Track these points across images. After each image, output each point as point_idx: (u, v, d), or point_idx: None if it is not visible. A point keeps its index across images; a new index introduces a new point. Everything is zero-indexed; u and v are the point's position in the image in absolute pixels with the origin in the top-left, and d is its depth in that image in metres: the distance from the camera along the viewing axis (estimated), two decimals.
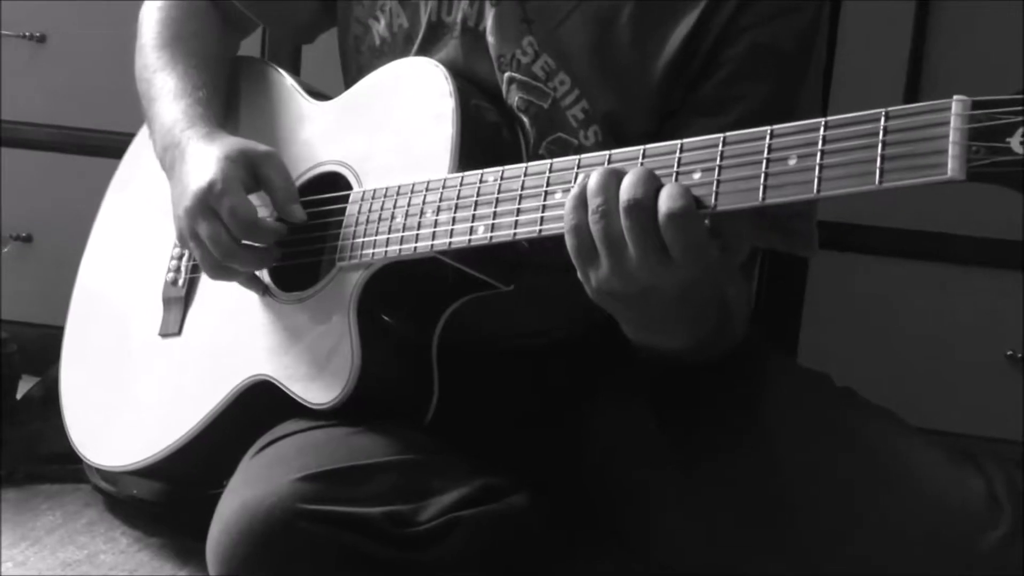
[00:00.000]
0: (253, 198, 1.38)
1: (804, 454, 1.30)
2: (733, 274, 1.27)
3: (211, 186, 1.35)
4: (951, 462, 1.28)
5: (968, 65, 2.12)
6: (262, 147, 1.41)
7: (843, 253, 2.18)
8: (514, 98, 1.37)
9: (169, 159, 1.46)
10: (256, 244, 1.38)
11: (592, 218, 1.08)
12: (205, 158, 1.39)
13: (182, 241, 1.42)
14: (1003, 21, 2.11)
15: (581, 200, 1.09)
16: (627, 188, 1.06)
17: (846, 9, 2.16)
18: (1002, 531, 1.20)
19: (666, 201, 1.05)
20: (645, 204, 1.06)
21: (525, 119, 1.36)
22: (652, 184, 1.06)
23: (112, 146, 1.77)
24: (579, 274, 1.11)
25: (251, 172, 1.39)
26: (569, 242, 1.10)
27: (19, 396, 1.96)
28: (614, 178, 1.08)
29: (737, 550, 1.29)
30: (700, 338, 1.23)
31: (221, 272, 1.40)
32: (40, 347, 1.93)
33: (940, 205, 2.09)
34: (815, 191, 1.00)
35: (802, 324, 2.20)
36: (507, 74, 1.37)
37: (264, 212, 1.40)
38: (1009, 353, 2.15)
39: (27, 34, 2.38)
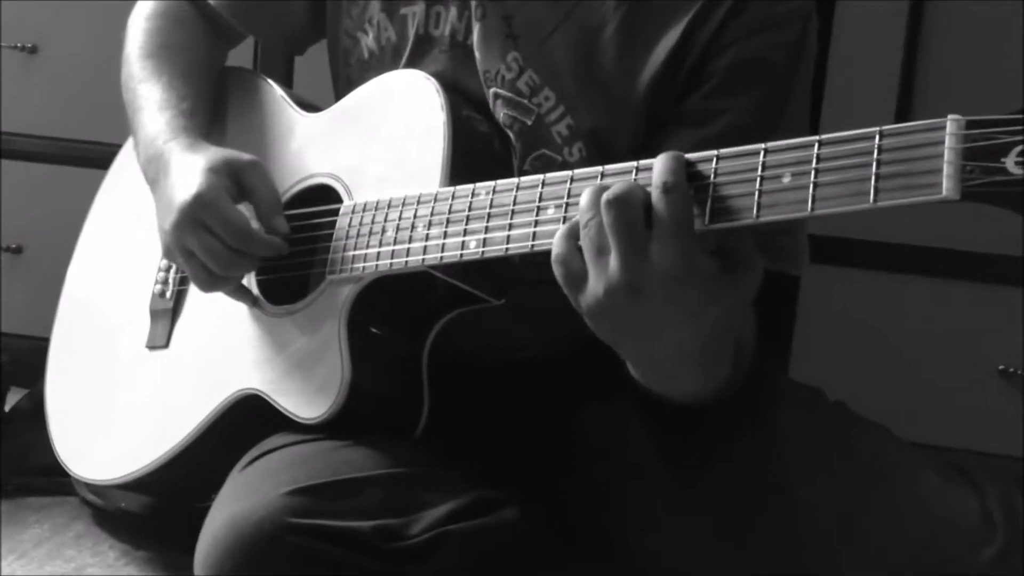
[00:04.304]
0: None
1: (799, 468, 1.29)
2: (746, 311, 1.24)
3: (197, 199, 1.34)
4: (945, 479, 1.28)
5: (960, 80, 2.13)
6: (246, 156, 1.41)
7: (835, 267, 2.18)
8: (500, 113, 1.36)
9: (152, 171, 1.45)
10: (250, 252, 1.37)
11: (583, 232, 1.07)
12: (189, 170, 1.38)
13: (169, 255, 1.41)
14: (995, 35, 2.12)
15: (572, 233, 1.09)
16: (610, 190, 1.06)
17: (838, 22, 2.16)
18: (996, 548, 1.20)
19: (661, 174, 1.05)
20: (626, 199, 1.05)
21: (511, 135, 1.36)
22: (636, 188, 1.06)
23: (104, 157, 1.76)
24: (572, 303, 1.10)
25: (236, 181, 1.38)
26: (556, 271, 1.09)
27: (8, 408, 1.95)
28: (601, 193, 1.07)
29: (730, 563, 1.29)
30: (716, 384, 1.21)
31: (212, 285, 1.39)
32: (30, 359, 1.92)
33: (931, 220, 2.09)
34: (809, 209, 0.99)
35: (794, 338, 2.20)
36: (492, 90, 1.37)
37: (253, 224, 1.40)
38: (1001, 368, 2.15)
39: (19, 45, 2.38)
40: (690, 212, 1.04)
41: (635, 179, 1.09)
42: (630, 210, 1.05)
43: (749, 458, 1.30)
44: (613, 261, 1.05)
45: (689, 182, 1.05)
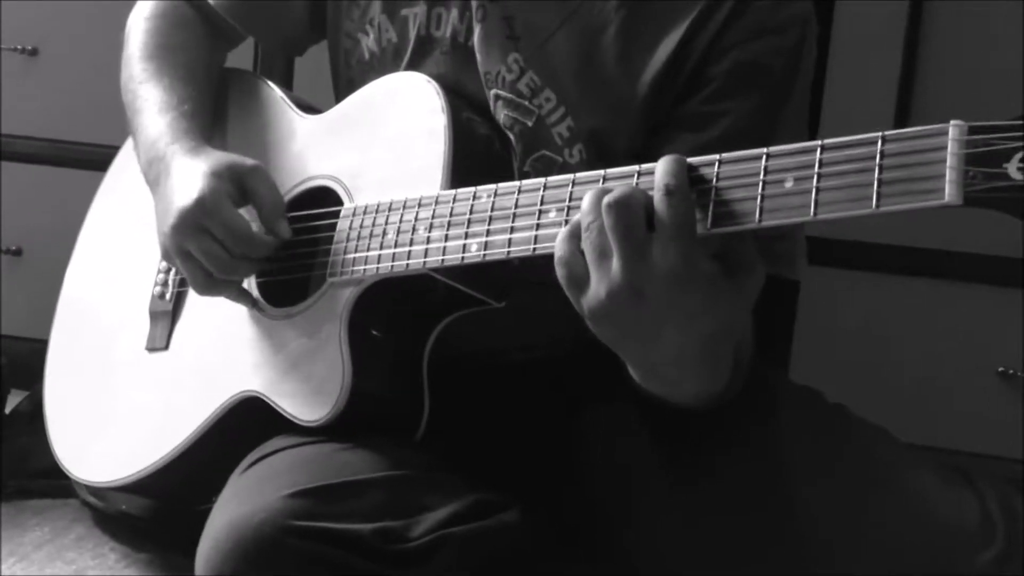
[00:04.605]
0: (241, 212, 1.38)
1: (799, 470, 1.29)
2: (748, 318, 1.23)
3: (199, 203, 1.34)
4: (944, 480, 1.28)
5: (960, 81, 2.13)
6: (249, 161, 1.41)
7: (835, 269, 2.18)
8: (500, 115, 1.37)
9: (153, 174, 1.45)
10: (251, 257, 1.37)
11: (584, 235, 1.08)
12: (190, 174, 1.38)
13: (167, 258, 1.41)
14: (995, 36, 2.12)
15: (574, 234, 1.09)
16: (611, 194, 1.06)
17: (838, 22, 2.16)
18: (996, 550, 1.20)
19: (663, 177, 1.05)
20: (627, 202, 1.05)
21: (511, 136, 1.36)
22: (638, 192, 1.06)
23: (104, 159, 1.76)
24: (574, 305, 1.10)
25: (238, 186, 1.38)
26: (559, 273, 1.10)
27: (8, 410, 1.95)
28: (602, 196, 1.07)
29: (730, 565, 1.29)
30: (716, 388, 1.20)
31: (210, 288, 1.39)
32: (30, 361, 1.92)
33: (930, 222, 2.09)
34: (812, 214, 1.00)
35: (794, 340, 2.20)
36: (493, 91, 1.37)
37: (253, 227, 1.40)
38: (1001, 370, 2.15)
39: (19, 47, 2.38)
40: (692, 215, 1.04)
41: (637, 183, 1.09)
42: (631, 213, 1.05)
43: (749, 460, 1.30)
44: (615, 264, 1.05)
45: (691, 186, 1.05)
